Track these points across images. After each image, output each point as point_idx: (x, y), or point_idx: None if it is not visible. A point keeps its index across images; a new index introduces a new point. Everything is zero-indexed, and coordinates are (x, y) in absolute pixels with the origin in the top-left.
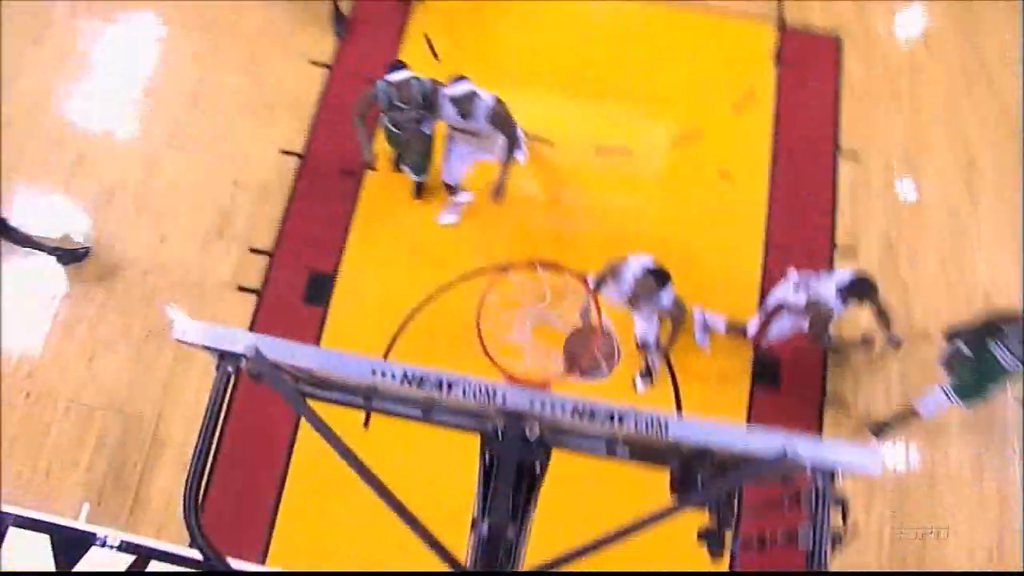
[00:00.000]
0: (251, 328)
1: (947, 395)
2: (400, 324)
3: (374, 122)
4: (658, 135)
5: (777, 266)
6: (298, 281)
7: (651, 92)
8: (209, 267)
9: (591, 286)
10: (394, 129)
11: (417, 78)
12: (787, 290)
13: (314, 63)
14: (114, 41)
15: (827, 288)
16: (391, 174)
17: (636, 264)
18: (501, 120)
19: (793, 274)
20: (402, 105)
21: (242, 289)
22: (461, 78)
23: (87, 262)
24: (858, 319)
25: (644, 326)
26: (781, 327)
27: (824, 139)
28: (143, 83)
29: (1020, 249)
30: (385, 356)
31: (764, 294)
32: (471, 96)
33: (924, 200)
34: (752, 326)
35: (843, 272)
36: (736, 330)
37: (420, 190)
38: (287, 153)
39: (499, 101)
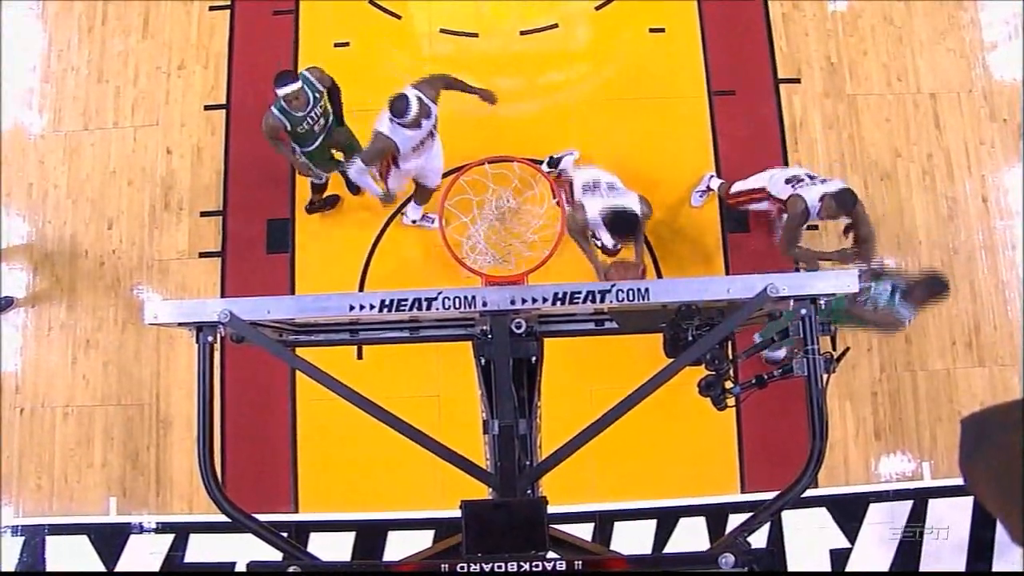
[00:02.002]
0: (222, 291)
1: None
2: (368, 250)
3: None
4: (581, 4)
5: (725, 115)
6: (257, 233)
7: None
8: (163, 241)
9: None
10: (310, 145)
11: (308, 84)
12: (778, 181)
13: (214, 8)
14: None
15: (813, 192)
16: None
17: (593, 208)
18: (445, 77)
19: (795, 169)
20: (299, 114)
21: (203, 255)
22: (402, 99)
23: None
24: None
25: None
26: (759, 207)
27: None
28: (38, 70)
29: (960, 42)
30: (361, 287)
31: (716, 144)
32: (419, 99)
33: (856, 11)
34: (737, 186)
35: (833, 183)
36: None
37: (326, 199)
38: (211, 108)
39: (430, 76)
